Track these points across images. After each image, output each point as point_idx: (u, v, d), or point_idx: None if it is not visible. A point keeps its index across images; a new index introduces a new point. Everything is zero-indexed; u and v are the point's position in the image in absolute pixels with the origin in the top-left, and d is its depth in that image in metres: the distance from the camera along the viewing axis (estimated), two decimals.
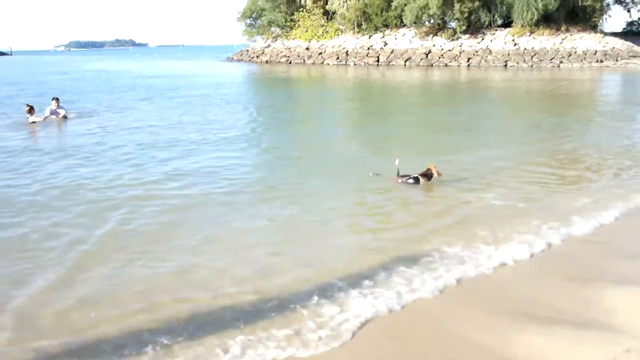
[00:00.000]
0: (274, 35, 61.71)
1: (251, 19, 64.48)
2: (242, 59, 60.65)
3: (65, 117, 15.92)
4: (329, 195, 7.76)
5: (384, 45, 51.42)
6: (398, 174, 8.22)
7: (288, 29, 59.44)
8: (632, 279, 4.81)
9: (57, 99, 16.26)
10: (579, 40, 47.79)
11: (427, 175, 8.04)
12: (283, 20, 59.55)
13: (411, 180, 8.06)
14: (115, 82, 31.44)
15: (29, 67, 57.16)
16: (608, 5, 53.90)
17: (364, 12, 54.22)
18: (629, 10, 56.87)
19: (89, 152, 11.03)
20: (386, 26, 53.33)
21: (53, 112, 15.83)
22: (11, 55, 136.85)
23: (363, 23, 54.66)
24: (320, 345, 3.89)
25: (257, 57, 58.09)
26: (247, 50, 62.85)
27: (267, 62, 55.05)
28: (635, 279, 4.83)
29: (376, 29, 53.56)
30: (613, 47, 46.89)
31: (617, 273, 4.96)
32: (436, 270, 5.07)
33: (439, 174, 8.01)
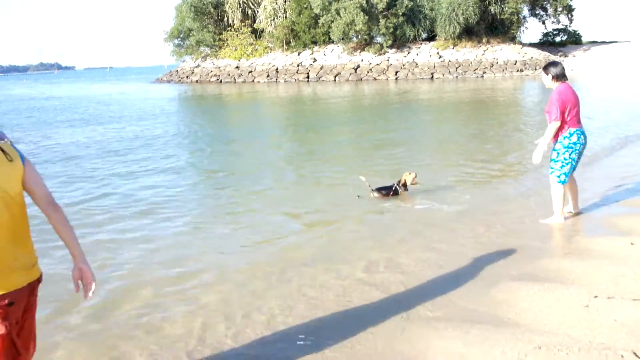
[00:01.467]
0: (203, 54, 61.25)
1: (179, 39, 63.76)
2: (172, 80, 59.85)
3: None
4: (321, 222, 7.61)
5: (314, 62, 51.95)
6: (372, 189, 8.15)
7: (217, 49, 59.13)
8: (543, 277, 4.97)
9: None
10: (500, 52, 49.82)
11: (404, 185, 8.11)
12: (211, 39, 59.19)
13: (390, 192, 8.08)
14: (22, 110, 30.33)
15: None
16: (524, 17, 56.58)
17: (292, 30, 54.69)
18: (543, 22, 59.67)
19: None
20: (314, 43, 53.93)
21: None
22: None
23: (291, 40, 55.08)
24: None
25: (187, 77, 57.45)
26: (177, 71, 62.12)
27: (197, 81, 54.53)
28: (546, 276, 4.99)
29: (305, 45, 54.08)
30: (531, 57, 49.11)
31: (528, 273, 5.12)
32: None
33: (414, 183, 8.13)
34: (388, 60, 49.64)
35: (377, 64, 49.06)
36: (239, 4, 59.20)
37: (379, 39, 51.11)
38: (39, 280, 2.79)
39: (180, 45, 64.08)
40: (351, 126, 18.59)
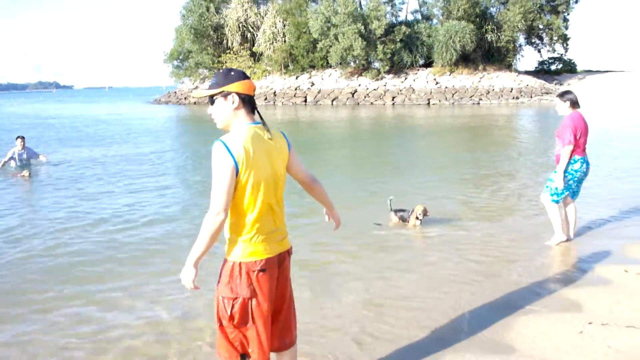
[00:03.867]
0: (201, 76, 61.71)
1: (178, 61, 64.34)
2: (169, 101, 60.17)
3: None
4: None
5: (311, 86, 52.37)
6: (392, 210, 8.17)
7: (215, 71, 59.55)
8: (538, 303, 5.03)
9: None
10: (496, 79, 50.33)
11: (417, 217, 7.91)
12: (210, 62, 59.74)
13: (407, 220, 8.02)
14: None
15: None
16: (520, 46, 57.44)
17: (290, 54, 55.26)
18: (539, 51, 60.57)
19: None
20: (312, 67, 54.44)
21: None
22: None
23: (290, 64, 55.62)
24: None
25: (185, 98, 57.78)
26: (175, 92, 62.52)
27: (195, 103, 54.82)
28: (542, 302, 5.04)
29: (303, 69, 54.58)
30: (527, 85, 49.63)
31: (524, 298, 5.16)
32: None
33: (426, 214, 7.91)
34: (385, 85, 50.07)
35: (375, 89, 49.48)
36: (239, 27, 59.89)
37: (377, 65, 51.62)
38: (288, 252, 3.20)
39: (179, 67, 64.67)
40: (351, 149, 18.73)
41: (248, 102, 3.00)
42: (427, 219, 8.03)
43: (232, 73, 3.02)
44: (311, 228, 7.79)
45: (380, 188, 10.91)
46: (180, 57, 63.77)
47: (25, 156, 14.20)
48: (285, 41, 56.16)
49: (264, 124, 3.06)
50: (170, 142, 21.49)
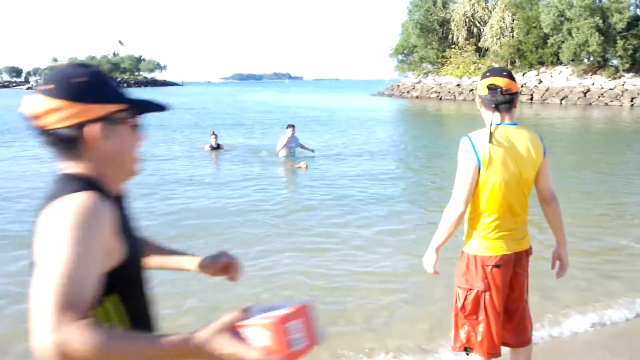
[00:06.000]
0: (425, 71, 62.54)
1: (403, 55, 65.92)
2: (392, 94, 61.92)
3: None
4: None
5: (539, 83, 50.09)
6: None
7: (439, 65, 59.94)
8: None
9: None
10: None
11: None
12: (435, 56, 60.22)
13: None
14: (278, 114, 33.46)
15: (205, 96, 61.94)
16: None
17: (518, 49, 53.34)
18: None
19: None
20: (541, 63, 51.96)
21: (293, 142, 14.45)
22: (182, 86, 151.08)
23: (517, 60, 53.74)
24: None
25: (408, 92, 59.01)
26: (398, 86, 64.13)
27: (417, 97, 55.77)
28: None
29: (530, 66, 52.37)
30: None
31: None
32: None
33: None
34: (624, 85, 45.90)
35: (611, 89, 45.65)
36: (465, 22, 59.47)
37: (615, 62, 47.56)
38: (527, 252, 3.20)
39: (403, 61, 66.30)
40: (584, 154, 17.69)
41: (502, 101, 3.02)
42: None
43: (486, 72, 3.16)
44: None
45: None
46: (405, 52, 65.25)
47: (293, 144, 14.38)
48: (513, 36, 54.38)
49: (516, 125, 3.08)
50: (399, 131, 22.33)
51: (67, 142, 1.40)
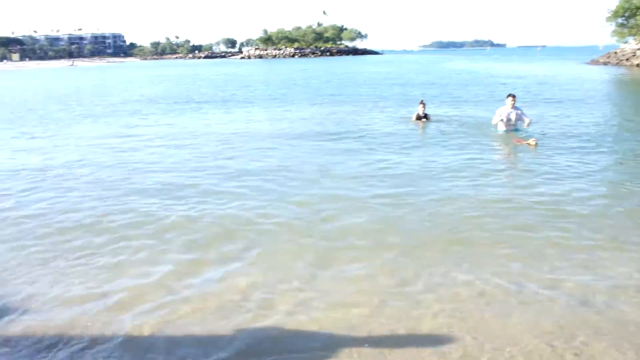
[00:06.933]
0: None
1: (623, 18, 59.51)
2: (608, 62, 56.40)
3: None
4: None
5: None
6: None
7: None
8: None
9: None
10: None
11: None
12: None
13: None
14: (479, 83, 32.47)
15: (407, 65, 62.17)
16: None
17: None
18: None
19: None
20: None
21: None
22: (382, 54, 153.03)
23: None
24: None
25: (627, 59, 53.36)
26: (615, 52, 58.25)
27: (637, 65, 50.27)
28: None
29: None
30: None
31: None
32: None
33: None
34: None
35: None
36: None
37: None
38: None
39: (623, 25, 59.78)
40: None
41: None
42: None
43: None
44: None
45: None
46: (627, 14, 58.77)
47: (513, 117, 12.84)
48: None
49: None
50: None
51: None
